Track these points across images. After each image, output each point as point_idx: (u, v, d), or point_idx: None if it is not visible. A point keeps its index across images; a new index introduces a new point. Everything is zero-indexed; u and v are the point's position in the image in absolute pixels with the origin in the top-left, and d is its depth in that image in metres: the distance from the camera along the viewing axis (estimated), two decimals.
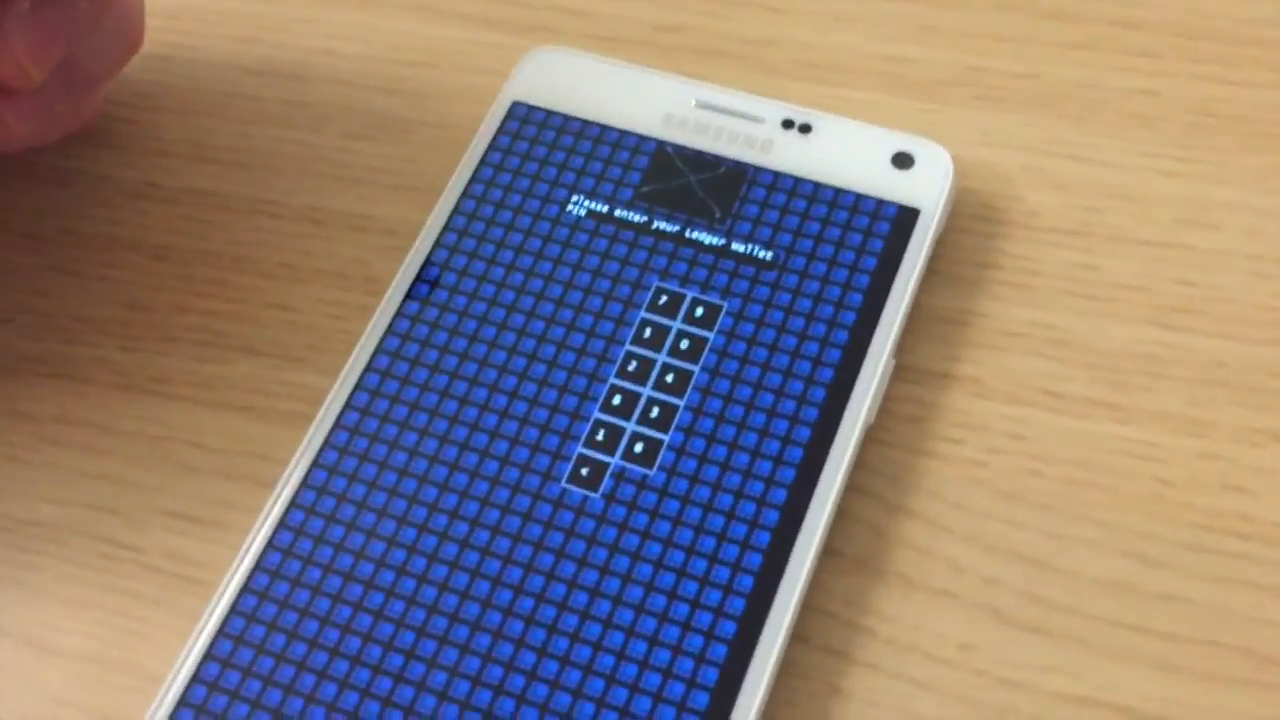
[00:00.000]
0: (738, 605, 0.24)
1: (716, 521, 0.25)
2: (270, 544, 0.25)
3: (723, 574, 0.24)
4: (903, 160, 0.28)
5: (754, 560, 0.24)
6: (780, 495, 0.25)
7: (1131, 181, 0.29)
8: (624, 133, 0.29)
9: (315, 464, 0.26)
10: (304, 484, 0.26)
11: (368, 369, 0.27)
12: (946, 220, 0.28)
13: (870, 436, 0.26)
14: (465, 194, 0.29)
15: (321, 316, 0.29)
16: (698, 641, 0.24)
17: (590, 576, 0.25)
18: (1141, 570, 0.25)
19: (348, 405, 0.27)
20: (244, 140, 0.32)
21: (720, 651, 0.24)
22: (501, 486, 0.26)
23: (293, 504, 0.26)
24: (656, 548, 0.25)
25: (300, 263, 0.30)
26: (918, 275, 0.27)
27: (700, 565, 0.24)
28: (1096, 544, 0.25)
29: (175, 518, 0.27)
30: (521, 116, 0.30)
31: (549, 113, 0.30)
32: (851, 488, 0.26)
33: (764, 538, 0.25)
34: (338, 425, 0.26)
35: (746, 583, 0.24)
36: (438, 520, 0.25)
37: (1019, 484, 0.26)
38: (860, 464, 0.26)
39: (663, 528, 0.25)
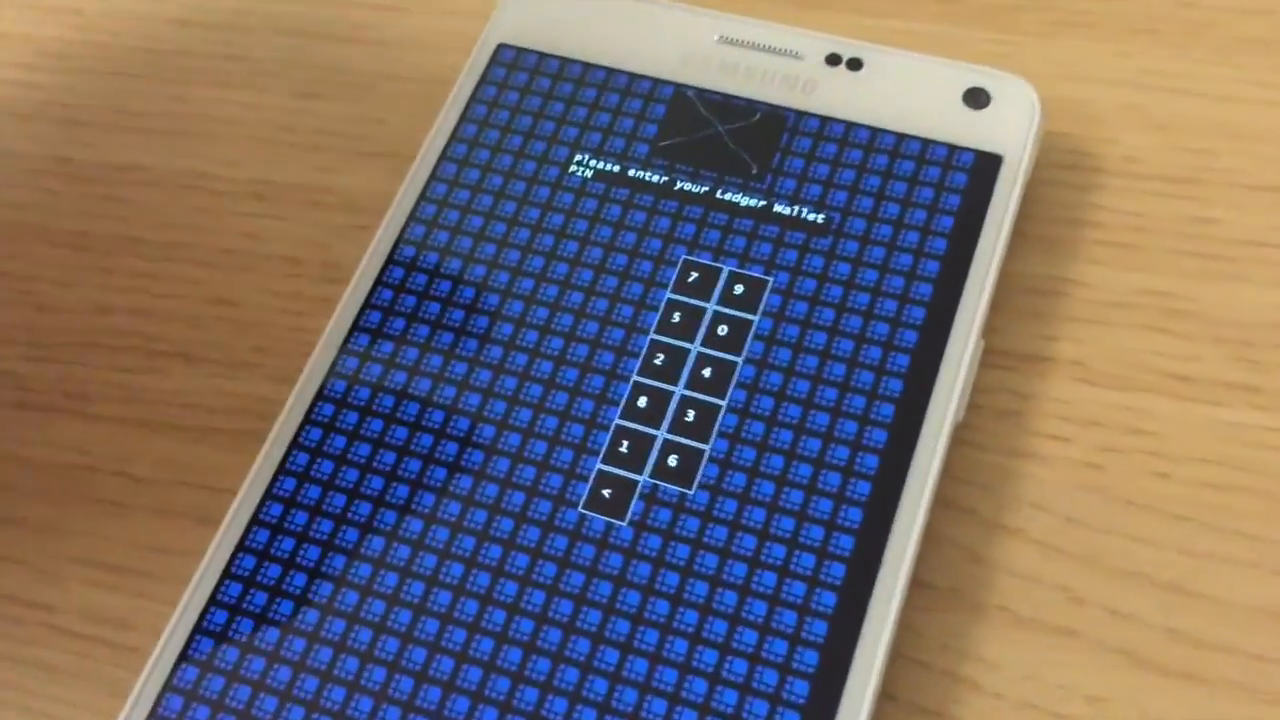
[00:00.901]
0: (810, 658, 0.19)
1: (777, 552, 0.20)
2: (214, 599, 0.20)
3: (789, 618, 0.19)
4: (977, 98, 0.23)
5: (827, 600, 0.19)
6: (855, 515, 0.20)
7: (1248, 117, 0.24)
8: (635, 76, 0.24)
9: (269, 495, 0.21)
10: (255, 521, 0.21)
11: (331, 374, 0.22)
12: (1032, 171, 0.23)
13: (958, 438, 0.21)
14: (444, 158, 0.24)
15: (272, 312, 0.24)
16: (762, 709, 0.19)
17: (621, 628, 0.19)
18: None
19: (308, 420, 0.21)
20: (174, 104, 0.26)
21: (791, 719, 0.19)
22: (504, 516, 0.20)
23: (242, 547, 0.20)
24: (703, 588, 0.20)
25: (245, 247, 0.24)
26: (1005, 237, 0.22)
27: (760, 608, 0.19)
28: (1248, 562, 0.20)
29: (95, 567, 0.21)
30: (509, 62, 0.25)
31: (542, 56, 0.25)
32: (939, 502, 0.21)
33: (838, 570, 0.20)
34: (295, 445, 0.21)
35: (819, 628, 0.19)
36: (424, 562, 0.20)
37: (1144, 490, 0.21)
38: (948, 472, 0.21)
39: (709, 562, 0.20)
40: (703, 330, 0.22)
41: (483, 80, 0.25)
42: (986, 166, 0.23)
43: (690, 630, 0.19)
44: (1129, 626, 0.20)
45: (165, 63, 0.27)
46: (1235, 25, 0.25)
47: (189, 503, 0.22)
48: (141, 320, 0.24)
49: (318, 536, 0.20)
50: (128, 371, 0.23)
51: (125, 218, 0.25)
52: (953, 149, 0.23)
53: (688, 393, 0.21)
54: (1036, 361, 0.22)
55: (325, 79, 0.26)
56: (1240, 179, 0.24)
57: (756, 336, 0.22)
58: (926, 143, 0.23)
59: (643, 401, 0.21)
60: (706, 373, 0.21)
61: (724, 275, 0.22)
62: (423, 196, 0.23)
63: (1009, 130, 0.23)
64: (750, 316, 0.22)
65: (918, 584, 0.20)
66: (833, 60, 0.24)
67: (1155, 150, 0.24)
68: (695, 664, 0.19)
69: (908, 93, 0.23)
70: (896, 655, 0.20)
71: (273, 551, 0.20)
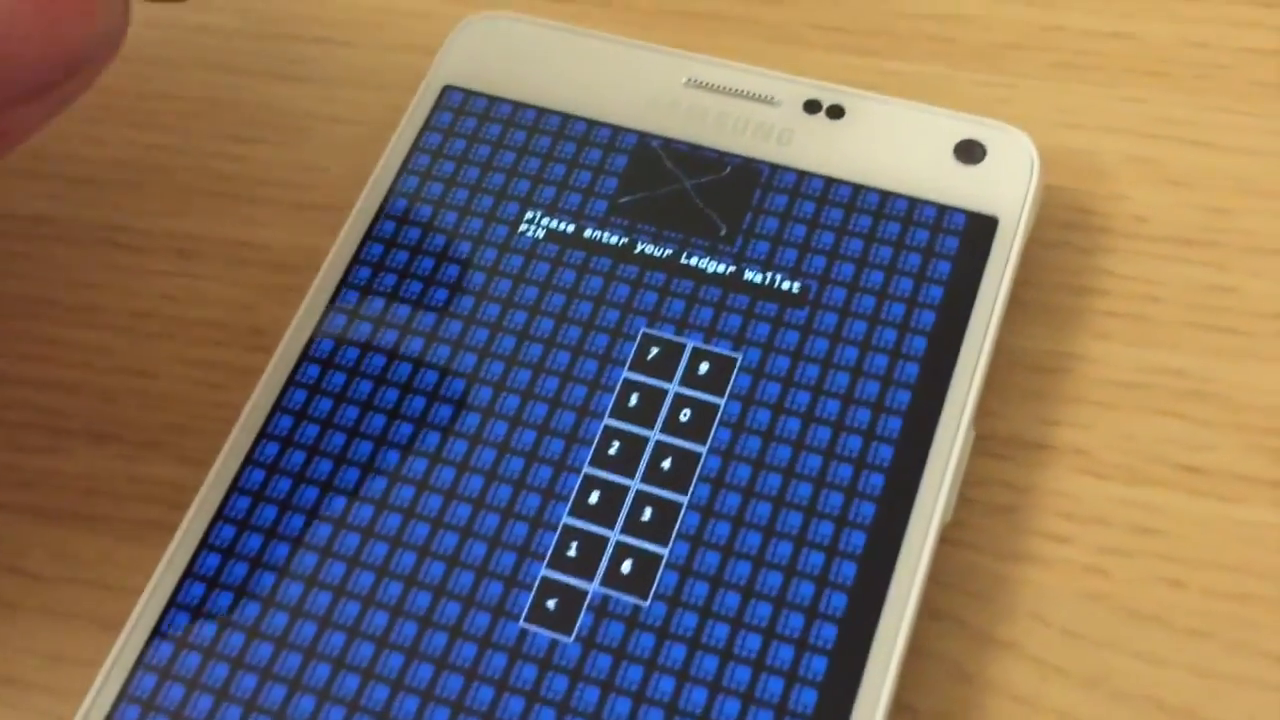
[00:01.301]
0: None
1: (741, 675, 0.18)
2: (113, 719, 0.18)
3: None
4: (971, 151, 0.21)
5: None
6: (829, 632, 0.18)
7: (1269, 171, 0.22)
8: (594, 124, 0.22)
9: (175, 599, 0.19)
10: (161, 629, 0.18)
11: (250, 460, 0.20)
12: (1031, 231, 0.21)
13: (947, 538, 0.19)
14: (381, 214, 0.22)
15: (189, 384, 0.21)
16: None
17: None
18: None
19: (222, 513, 0.19)
20: (87, 148, 0.24)
21: None
22: (437, 629, 0.18)
23: (144, 661, 0.18)
24: (656, 715, 0.17)
25: (163, 310, 0.22)
26: (1000, 309, 0.20)
27: None
28: (1270, 685, 0.18)
29: None
30: (456, 106, 0.22)
31: (492, 100, 0.22)
32: (925, 613, 0.19)
33: (809, 696, 0.17)
34: (208, 542, 0.19)
35: None
36: (346, 683, 0.18)
37: (1154, 599, 0.19)
38: (934, 578, 0.19)
39: (665, 685, 0.18)
40: (663, 415, 0.19)
41: (426, 126, 0.22)
42: (980, 229, 0.20)
43: None
44: None
45: (78, 100, 0.24)
46: (1254, 67, 0.23)
47: (89, 605, 0.20)
48: (43, 393, 0.21)
49: (228, 652, 0.18)
50: (25, 452, 0.21)
51: (28, 275, 0.23)
52: (943, 210, 0.21)
53: (645, 487, 0.19)
54: (1035, 450, 0.20)
55: (258, 120, 0.24)
56: (1262, 242, 0.21)
57: (723, 423, 0.19)
58: (914, 202, 0.21)
59: (594, 497, 0.19)
60: (666, 464, 0.19)
61: (688, 351, 0.20)
62: (356, 258, 0.21)
63: (1005, 188, 0.21)
64: (716, 400, 0.20)
65: (900, 708, 0.18)
66: (812, 107, 0.22)
67: (1167, 208, 0.22)
68: None
69: (894, 145, 0.21)
70: None
71: (178, 668, 0.18)
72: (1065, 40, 0.23)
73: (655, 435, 0.19)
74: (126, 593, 0.20)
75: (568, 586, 0.18)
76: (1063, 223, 0.22)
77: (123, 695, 0.18)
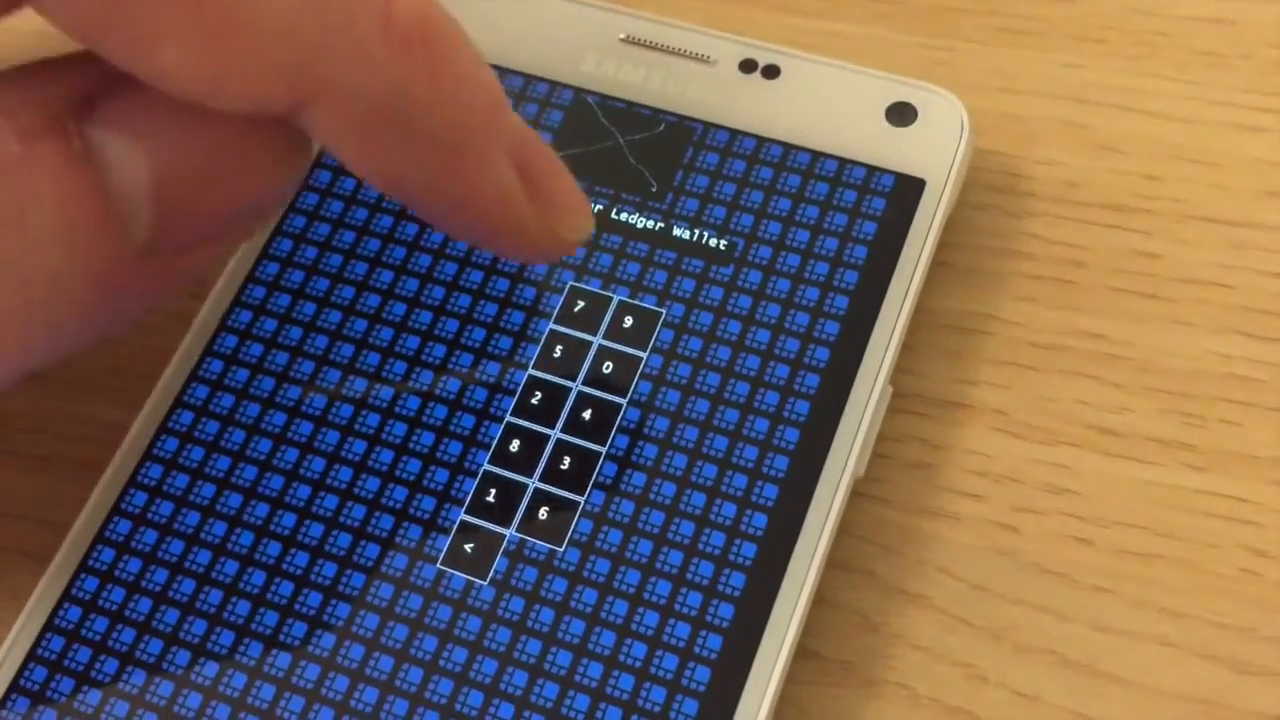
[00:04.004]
0: None
1: (650, 619, 0.18)
2: (34, 653, 0.18)
3: (658, 694, 0.18)
4: (902, 113, 0.21)
5: (701, 675, 0.18)
6: (738, 580, 0.18)
7: (1202, 140, 0.22)
8: (530, 78, 0.22)
9: (103, 535, 0.19)
10: (87, 564, 0.19)
11: (180, 402, 0.20)
12: (959, 194, 0.21)
13: (859, 492, 0.20)
14: (317, 162, 0.22)
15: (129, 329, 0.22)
16: None
17: (475, 699, 0.18)
18: (1231, 680, 0.18)
19: (151, 452, 0.20)
20: None
21: None
22: (355, 570, 0.19)
23: (70, 594, 0.19)
24: (566, 657, 0.18)
25: None
26: (923, 269, 0.20)
27: (627, 682, 0.18)
28: (1169, 641, 0.18)
29: None
30: None
31: None
32: (834, 564, 0.19)
33: (715, 641, 0.18)
34: (136, 480, 0.19)
35: (690, 707, 0.17)
36: (265, 619, 0.18)
37: (1061, 556, 0.19)
38: (846, 531, 0.19)
39: (576, 628, 0.18)
40: (586, 366, 0.20)
41: None
42: (907, 191, 0.21)
43: (549, 707, 0.18)
44: (1032, 710, 0.18)
45: None
46: (1194, 37, 0.23)
47: (22, 538, 0.20)
48: None
49: (150, 588, 0.19)
50: None
51: None
52: (871, 170, 0.21)
53: (565, 436, 0.19)
54: (953, 409, 0.20)
55: None
56: (1191, 210, 0.21)
57: (644, 375, 0.20)
58: (844, 163, 0.21)
59: (515, 445, 0.19)
60: (587, 415, 0.19)
61: (613, 305, 0.20)
62: (291, 208, 0.21)
63: (934, 151, 0.21)
64: (639, 353, 0.20)
65: (805, 654, 0.19)
66: (747, 66, 0.22)
67: (1098, 174, 0.22)
68: None
69: (826, 106, 0.21)
70: None
71: (100, 603, 0.19)
72: (1008, 5, 0.24)
73: (577, 386, 0.20)
74: (62, 529, 0.20)
75: (485, 531, 0.19)
76: (993, 186, 0.22)
77: (48, 626, 0.19)
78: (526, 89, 0.22)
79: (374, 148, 0.14)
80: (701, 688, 0.17)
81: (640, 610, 0.18)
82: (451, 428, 0.19)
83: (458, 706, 0.18)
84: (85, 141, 0.13)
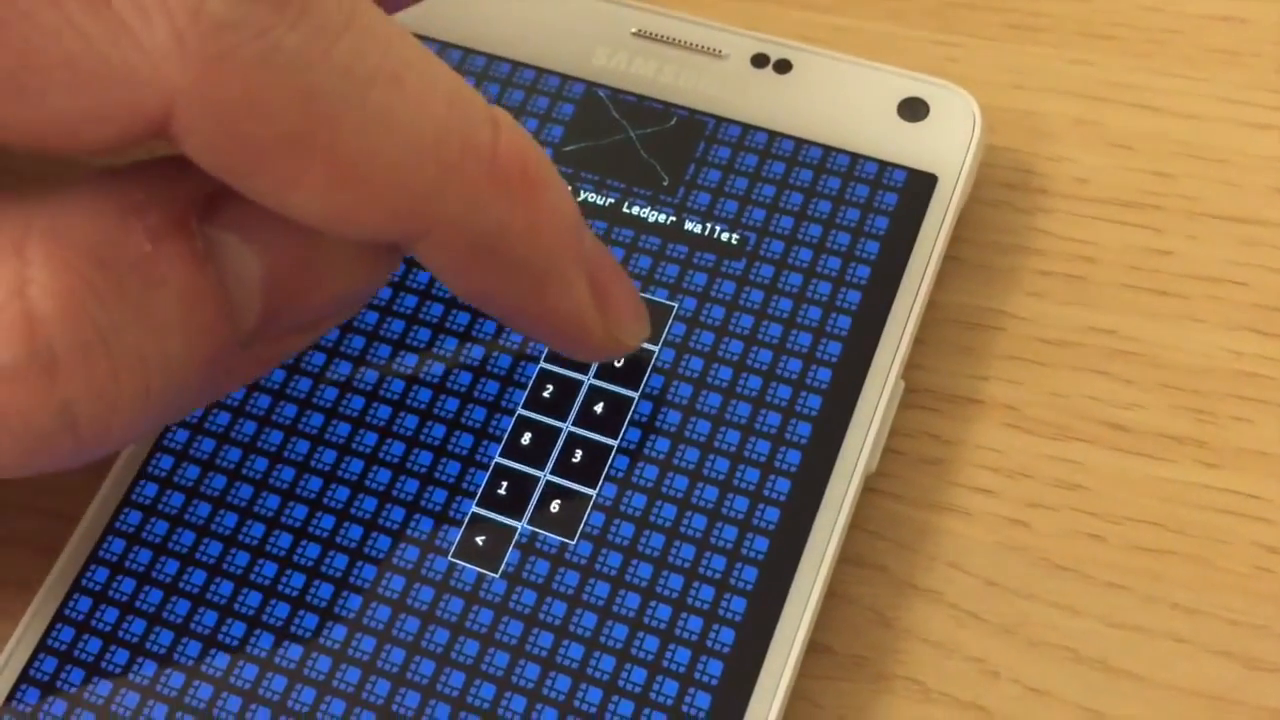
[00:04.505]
0: None
1: (663, 612, 0.18)
2: (44, 643, 0.18)
3: (670, 688, 0.18)
4: (914, 109, 0.21)
5: (714, 668, 0.18)
6: (750, 574, 0.18)
7: (1212, 137, 0.22)
8: (542, 71, 0.22)
9: (113, 526, 0.19)
10: (98, 555, 0.19)
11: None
12: (970, 190, 0.21)
13: (871, 487, 0.20)
14: None
15: None
16: None
17: (486, 691, 0.18)
18: (1243, 676, 0.18)
19: (159, 444, 0.20)
20: None
21: None
22: (366, 562, 0.19)
23: (80, 584, 0.19)
24: (578, 650, 0.18)
25: None
26: (935, 265, 0.20)
27: (640, 675, 0.18)
28: (1181, 637, 0.18)
29: None
30: None
31: (443, 45, 0.22)
32: (846, 559, 0.19)
33: (728, 635, 0.18)
34: (146, 472, 0.19)
35: (703, 701, 0.17)
36: (277, 611, 0.18)
37: (1073, 552, 0.19)
38: (858, 525, 0.19)
39: (588, 620, 0.18)
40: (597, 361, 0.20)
41: None
42: (920, 186, 0.21)
43: (561, 699, 0.18)
44: (1046, 706, 0.18)
45: None
46: (1204, 34, 0.23)
47: (32, 529, 0.20)
48: None
49: (160, 578, 0.19)
50: None
51: None
52: (884, 166, 0.21)
53: (576, 430, 0.19)
54: (964, 404, 0.20)
55: None
56: (1200, 207, 0.22)
57: (656, 369, 0.20)
58: (856, 158, 0.21)
59: (527, 438, 0.19)
60: (599, 409, 0.19)
61: None
62: None
63: (946, 146, 0.21)
64: (650, 347, 0.20)
65: (817, 649, 0.19)
66: (759, 61, 0.22)
67: (1109, 171, 0.22)
68: None
69: (838, 101, 0.21)
70: None
71: (110, 593, 0.19)
72: (1020, 2, 0.24)
73: (589, 380, 0.20)
74: (72, 520, 0.20)
75: (496, 524, 0.19)
76: (1004, 182, 0.22)
77: (58, 617, 0.18)
78: (538, 82, 0.22)
79: (473, 274, 0.15)
80: (714, 681, 0.17)
81: (652, 604, 0.18)
82: (463, 420, 0.19)
83: (469, 699, 0.18)
84: (207, 241, 0.14)
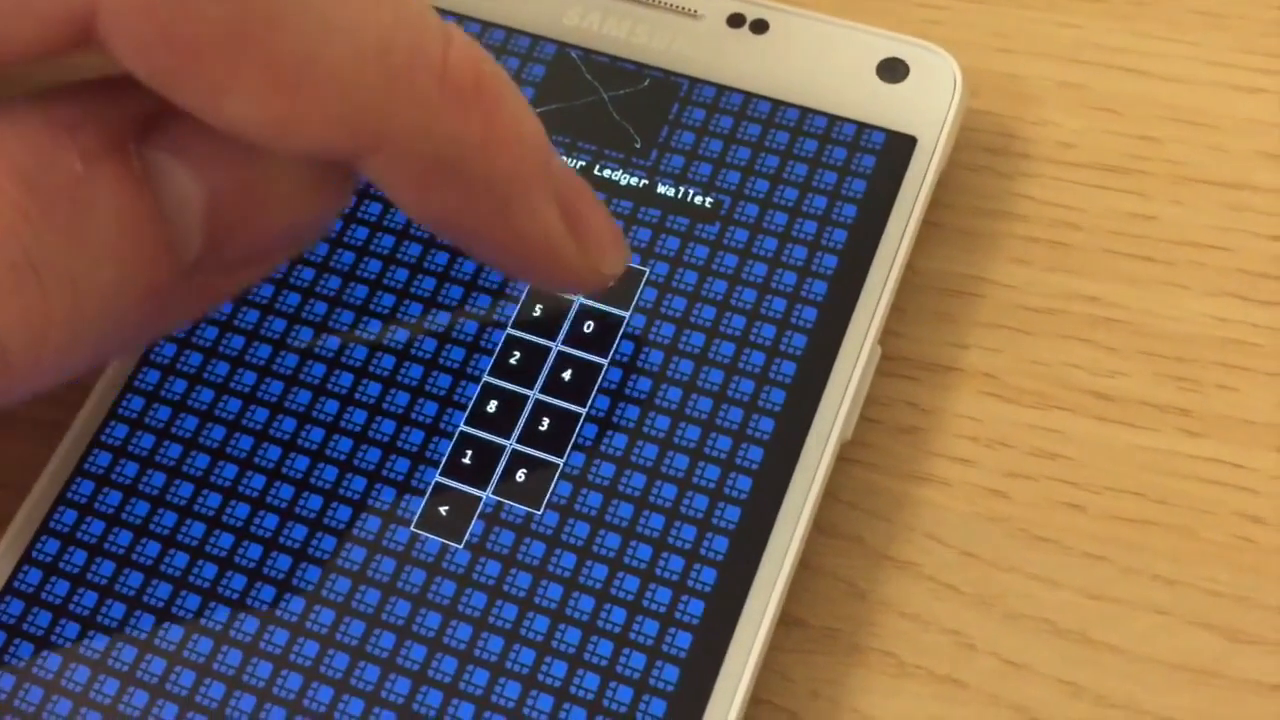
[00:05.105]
0: (658, 708, 0.17)
1: (630, 583, 0.17)
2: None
3: (638, 660, 0.17)
4: (893, 70, 0.21)
5: (682, 640, 0.17)
6: (721, 544, 0.18)
7: (1198, 101, 0.21)
8: (512, 32, 0.22)
9: (64, 496, 0.18)
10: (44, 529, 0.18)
11: (145, 359, 0.19)
12: (951, 153, 0.20)
13: (846, 456, 0.19)
14: None
15: None
16: None
17: (448, 665, 0.17)
18: (1226, 648, 0.18)
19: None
20: None
21: None
22: (326, 533, 0.18)
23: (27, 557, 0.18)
24: (544, 622, 0.17)
25: None
26: (913, 229, 0.19)
27: (606, 648, 0.17)
28: (1162, 609, 0.18)
29: None
30: None
31: None
32: (820, 529, 0.19)
33: (696, 606, 0.17)
34: (99, 441, 0.19)
35: (671, 674, 0.17)
36: (233, 582, 0.18)
37: (1052, 522, 0.19)
38: (832, 495, 0.19)
39: (553, 592, 0.17)
40: (566, 326, 0.19)
41: None
42: (899, 148, 0.20)
43: (524, 672, 0.17)
44: (1024, 679, 0.18)
45: None
46: None
47: None
48: None
49: (113, 550, 0.18)
50: None
51: None
52: (862, 127, 0.20)
53: (544, 398, 0.19)
54: (942, 372, 0.20)
55: None
56: (1185, 171, 0.21)
57: (626, 335, 0.19)
58: (833, 119, 0.20)
59: (493, 405, 0.19)
60: (567, 375, 0.19)
61: None
62: None
63: (926, 108, 0.20)
64: (621, 312, 0.19)
65: (789, 621, 0.18)
66: (735, 21, 0.21)
67: (1093, 135, 0.21)
68: (529, 711, 0.17)
69: (816, 61, 0.21)
70: (759, 701, 0.18)
71: (61, 565, 0.18)
72: None
73: (557, 346, 0.19)
74: (22, 490, 0.19)
75: (461, 493, 0.18)
76: (986, 147, 0.21)
77: (6, 589, 0.18)
78: (508, 43, 0.21)
79: (429, 194, 0.14)
80: (682, 654, 0.17)
81: (620, 575, 0.18)
82: (427, 387, 0.19)
83: (430, 673, 0.17)
84: (144, 163, 0.14)
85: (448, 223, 0.15)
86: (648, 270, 0.20)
